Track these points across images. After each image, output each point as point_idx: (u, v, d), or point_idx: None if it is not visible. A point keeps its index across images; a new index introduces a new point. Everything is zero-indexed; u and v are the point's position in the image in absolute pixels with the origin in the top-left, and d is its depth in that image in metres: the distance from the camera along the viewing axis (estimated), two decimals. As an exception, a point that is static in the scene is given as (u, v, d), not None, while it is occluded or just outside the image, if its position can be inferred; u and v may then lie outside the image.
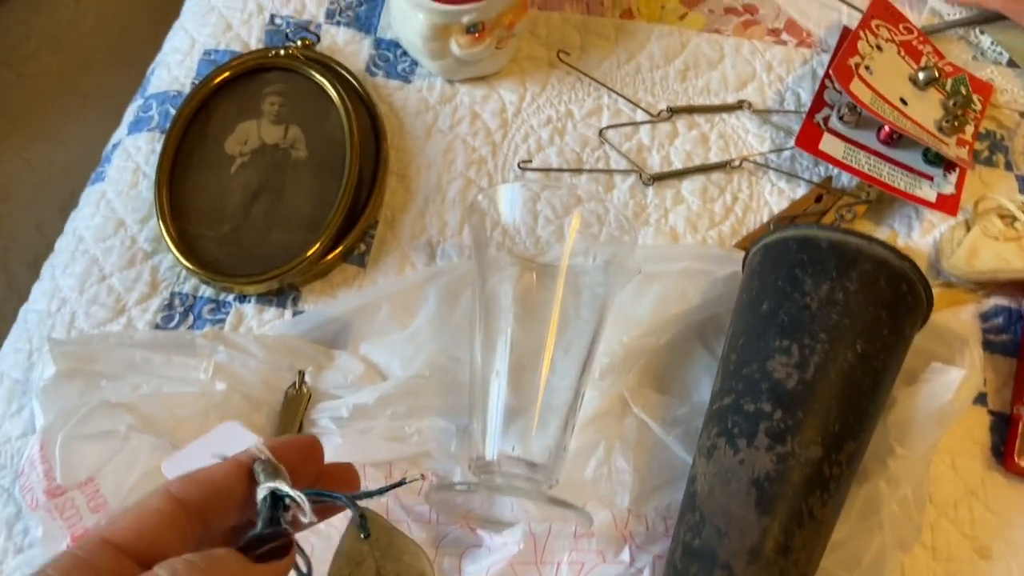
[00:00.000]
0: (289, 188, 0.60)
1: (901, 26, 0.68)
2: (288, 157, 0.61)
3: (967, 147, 0.64)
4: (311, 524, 0.26)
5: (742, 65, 0.69)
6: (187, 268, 0.57)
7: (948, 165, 0.63)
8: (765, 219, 0.62)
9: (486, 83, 0.66)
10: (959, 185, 0.63)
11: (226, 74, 0.62)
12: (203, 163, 0.60)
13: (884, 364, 0.47)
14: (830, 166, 0.63)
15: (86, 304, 0.56)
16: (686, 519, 0.46)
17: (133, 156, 0.62)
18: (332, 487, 0.27)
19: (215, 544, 0.25)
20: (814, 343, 0.46)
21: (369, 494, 0.27)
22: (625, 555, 0.49)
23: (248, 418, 0.51)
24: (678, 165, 0.64)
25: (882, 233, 0.62)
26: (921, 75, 0.64)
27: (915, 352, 0.50)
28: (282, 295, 0.58)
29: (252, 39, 0.66)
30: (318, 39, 0.66)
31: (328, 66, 0.64)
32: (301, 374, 0.53)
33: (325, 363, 0.54)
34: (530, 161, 0.63)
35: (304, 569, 0.26)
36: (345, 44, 0.67)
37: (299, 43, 0.65)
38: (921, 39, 0.68)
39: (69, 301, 0.56)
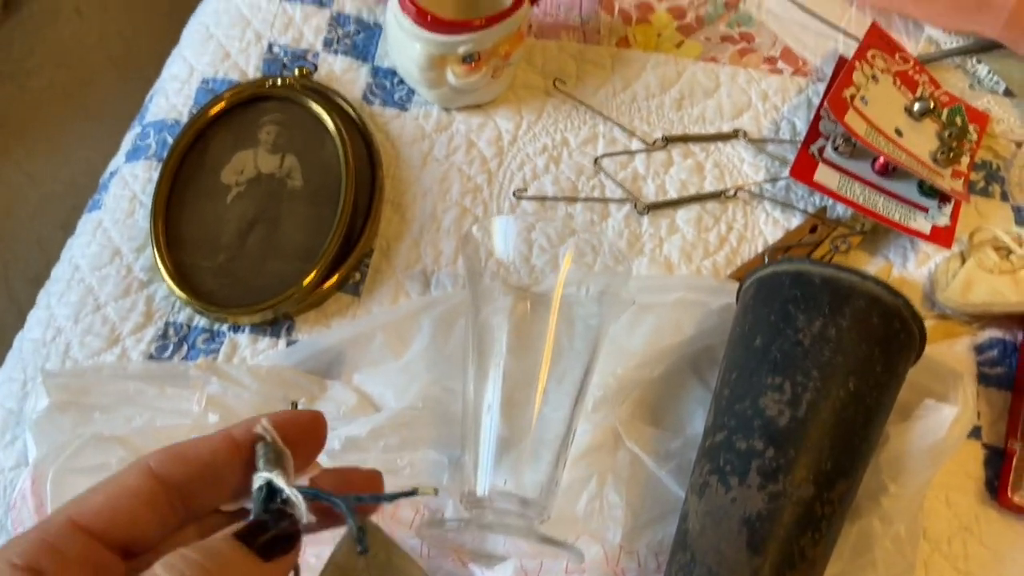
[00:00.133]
0: (284, 217, 0.60)
1: (897, 55, 0.68)
2: (284, 186, 0.61)
3: (962, 178, 0.64)
4: (310, 524, 0.23)
5: (738, 94, 0.69)
6: (181, 298, 0.57)
7: (943, 196, 0.63)
8: (760, 249, 0.62)
9: (482, 111, 0.66)
10: (954, 216, 0.63)
11: (223, 104, 0.62)
12: (199, 193, 0.60)
13: (877, 402, 0.47)
14: (825, 196, 0.63)
15: (81, 334, 0.56)
16: (677, 558, 0.46)
17: (130, 184, 0.62)
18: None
19: (202, 524, 0.23)
20: (806, 380, 0.46)
21: (376, 499, 0.25)
22: (617, 591, 0.49)
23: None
24: (673, 194, 0.64)
25: (877, 264, 0.62)
26: (916, 106, 0.64)
27: (909, 387, 0.50)
28: (276, 325, 0.58)
29: (250, 67, 0.67)
30: (315, 68, 0.67)
31: (325, 95, 0.64)
32: (294, 405, 0.53)
33: (318, 394, 0.54)
34: (525, 190, 0.64)
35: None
36: (342, 72, 0.67)
37: (297, 72, 0.65)
38: (917, 68, 0.68)
39: (64, 331, 0.56)
